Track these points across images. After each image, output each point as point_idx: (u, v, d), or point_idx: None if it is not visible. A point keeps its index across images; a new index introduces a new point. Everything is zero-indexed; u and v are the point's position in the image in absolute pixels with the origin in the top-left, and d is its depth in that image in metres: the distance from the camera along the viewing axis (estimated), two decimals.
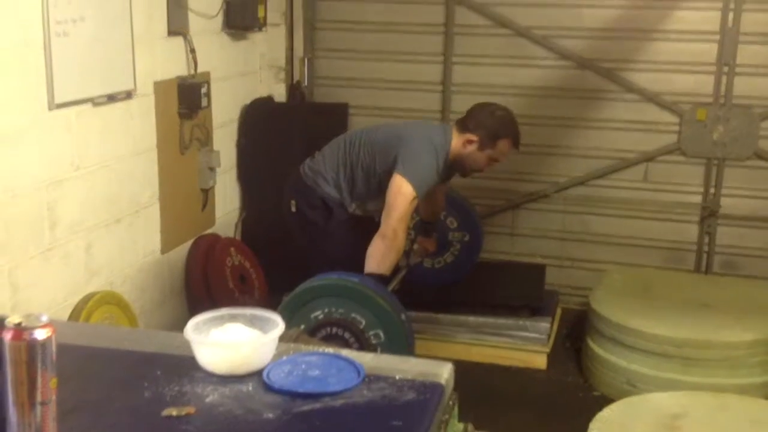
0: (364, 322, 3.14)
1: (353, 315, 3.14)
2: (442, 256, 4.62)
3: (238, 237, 4.97)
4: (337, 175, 3.72)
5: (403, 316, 3.19)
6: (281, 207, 3.87)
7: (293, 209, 3.79)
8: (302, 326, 3.06)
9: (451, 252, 4.63)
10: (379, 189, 3.63)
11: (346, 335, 3.14)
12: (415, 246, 4.30)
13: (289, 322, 2.92)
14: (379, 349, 3.08)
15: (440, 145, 3.62)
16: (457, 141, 3.64)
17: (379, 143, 3.67)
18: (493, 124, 3.64)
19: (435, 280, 4.59)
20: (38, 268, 3.32)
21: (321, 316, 3.18)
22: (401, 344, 3.11)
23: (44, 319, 1.39)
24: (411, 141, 3.58)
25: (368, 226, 3.73)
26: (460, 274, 4.62)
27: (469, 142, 3.63)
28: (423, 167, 3.54)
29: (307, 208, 3.75)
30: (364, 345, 3.10)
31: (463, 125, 3.67)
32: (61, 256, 3.45)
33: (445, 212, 4.50)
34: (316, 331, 3.12)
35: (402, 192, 3.45)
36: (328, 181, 3.73)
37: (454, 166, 3.75)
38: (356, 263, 3.51)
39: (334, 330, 3.16)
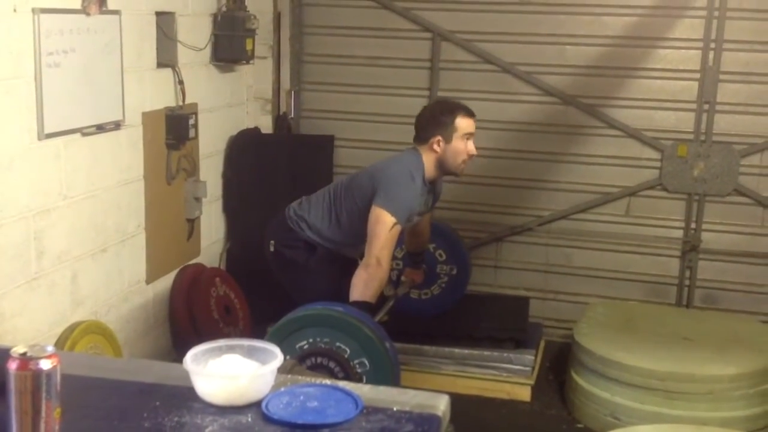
0: (348, 351, 3.12)
1: (338, 344, 3.12)
2: (429, 288, 4.63)
3: (223, 267, 4.97)
4: (322, 224, 3.71)
5: (387, 345, 3.18)
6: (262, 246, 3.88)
7: (271, 249, 3.80)
8: (287, 357, 3.05)
9: (438, 284, 4.64)
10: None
11: (332, 365, 3.12)
12: (403, 277, 4.32)
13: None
14: (364, 378, 3.07)
15: (414, 166, 3.62)
16: (427, 154, 3.65)
17: (357, 185, 3.68)
18: (439, 115, 3.65)
19: (421, 312, 4.60)
20: (24, 298, 3.31)
21: (306, 346, 3.17)
22: (386, 372, 3.09)
23: (49, 349, 1.40)
24: (385, 172, 3.60)
25: (350, 260, 3.75)
26: (446, 306, 4.63)
27: (437, 143, 3.63)
28: (400, 194, 3.54)
29: (285, 248, 3.76)
30: (349, 374, 3.08)
31: (422, 138, 3.67)
32: (47, 286, 3.44)
33: (434, 245, 4.51)
34: (302, 361, 3.10)
35: (381, 220, 3.45)
36: (312, 229, 3.72)
37: (443, 175, 3.76)
38: (340, 297, 3.52)
39: (320, 360, 3.14)
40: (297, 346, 3.16)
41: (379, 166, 3.73)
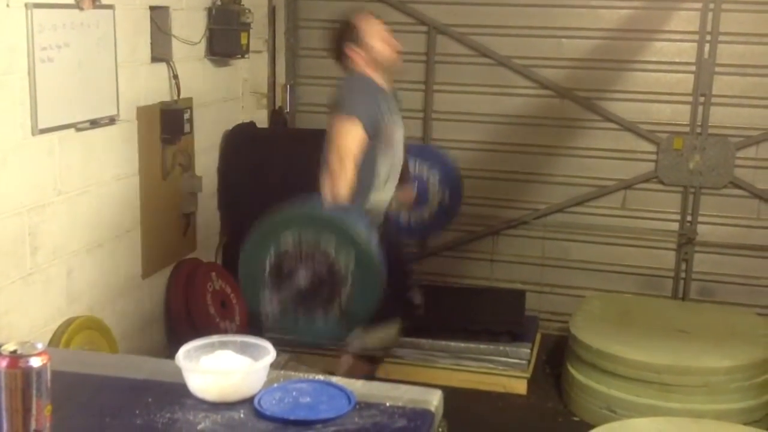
0: (334, 248, 2.91)
1: (323, 241, 2.91)
2: (420, 211, 4.40)
3: (219, 262, 4.97)
4: None
5: (374, 243, 2.97)
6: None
7: None
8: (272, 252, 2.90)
9: (428, 208, 4.43)
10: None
11: (316, 261, 2.91)
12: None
13: (257, 255, 2.86)
14: (350, 276, 2.88)
15: (357, 79, 3.48)
16: (357, 60, 3.47)
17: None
18: (340, 29, 3.53)
19: (409, 235, 4.47)
20: (19, 293, 3.30)
21: (290, 244, 2.93)
22: (371, 269, 2.90)
23: (39, 346, 1.39)
24: (341, 97, 3.47)
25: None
26: (435, 231, 4.49)
27: (354, 53, 3.47)
28: (355, 99, 3.39)
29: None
30: (333, 270, 2.89)
31: (339, 56, 3.52)
32: (42, 281, 3.43)
33: (428, 168, 4.37)
34: (286, 259, 2.90)
35: (339, 125, 3.31)
36: None
37: (385, 75, 3.55)
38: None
39: (304, 256, 2.92)
40: (281, 244, 2.93)
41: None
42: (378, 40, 3.49)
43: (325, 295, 2.89)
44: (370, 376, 3.74)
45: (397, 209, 4.03)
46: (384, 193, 3.56)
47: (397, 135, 3.56)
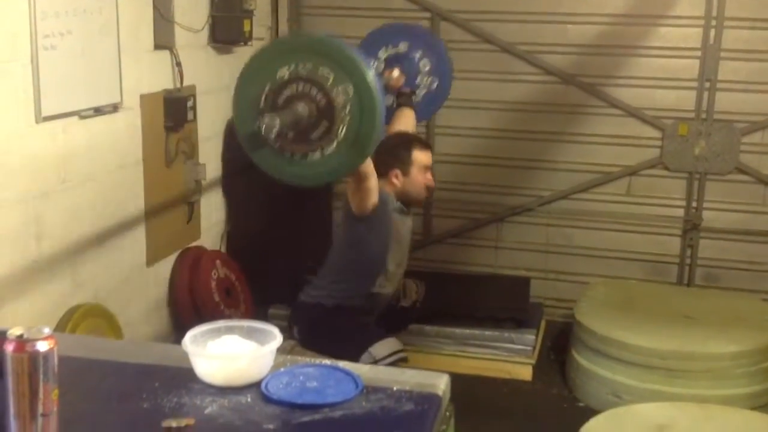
0: (332, 78, 2.79)
1: (321, 70, 2.79)
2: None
3: (224, 250, 4.96)
4: (347, 286, 3.66)
5: (372, 72, 2.87)
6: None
7: (296, 335, 3.70)
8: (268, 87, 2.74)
9: (415, 95, 4.26)
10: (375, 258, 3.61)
11: (313, 91, 2.80)
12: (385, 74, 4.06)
13: (254, 82, 2.76)
14: (348, 106, 2.77)
15: (383, 197, 3.56)
16: (388, 187, 3.63)
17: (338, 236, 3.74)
18: (394, 150, 3.64)
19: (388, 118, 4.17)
20: (24, 281, 3.30)
21: (287, 75, 2.83)
22: (371, 99, 2.78)
23: (46, 331, 1.39)
24: None
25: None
26: (418, 118, 4.26)
27: (395, 177, 3.64)
28: None
29: (308, 327, 3.68)
30: (331, 101, 2.78)
31: (380, 173, 3.56)
32: (47, 269, 3.43)
33: (420, 52, 4.22)
34: (282, 90, 2.79)
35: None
36: (335, 293, 3.65)
37: (408, 206, 3.75)
38: (372, 333, 3.59)
39: (301, 87, 2.81)
40: (278, 75, 2.82)
41: None
42: (421, 177, 3.66)
43: (322, 129, 2.77)
44: None
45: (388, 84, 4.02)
46: (389, 285, 3.72)
47: (405, 233, 3.75)
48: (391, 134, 3.73)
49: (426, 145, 3.75)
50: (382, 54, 4.15)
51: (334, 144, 2.74)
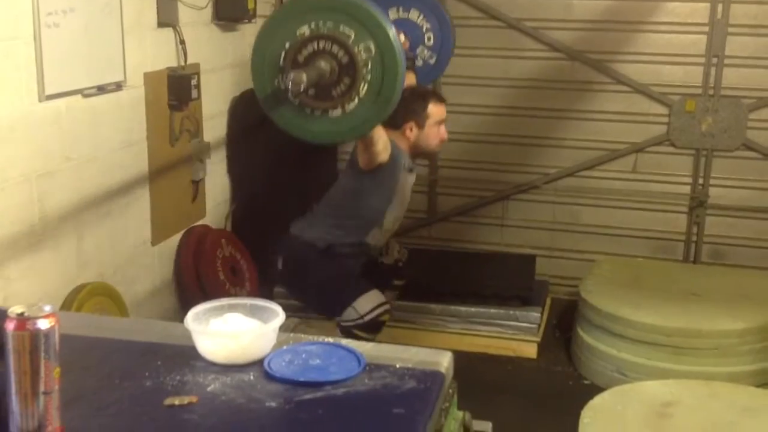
0: (353, 35, 2.79)
1: (342, 27, 2.79)
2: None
3: (229, 228, 4.96)
4: (337, 221, 3.70)
5: (394, 30, 2.86)
6: (270, 266, 3.82)
7: (279, 266, 3.75)
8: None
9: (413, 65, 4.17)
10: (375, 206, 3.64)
11: (335, 49, 2.79)
12: None
13: (273, 40, 2.74)
14: (369, 63, 2.77)
15: (396, 153, 3.62)
16: (402, 140, 3.65)
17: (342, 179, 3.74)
18: (409, 103, 3.58)
19: None
20: (29, 260, 3.30)
21: (307, 32, 2.83)
22: (393, 57, 2.78)
23: (47, 309, 1.39)
24: None
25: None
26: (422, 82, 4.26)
27: (410, 129, 3.66)
28: None
29: (293, 262, 3.72)
30: (353, 58, 2.77)
31: (395, 125, 3.61)
32: (52, 248, 3.43)
33: (428, 26, 4.24)
34: (303, 48, 2.78)
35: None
36: (331, 237, 3.68)
37: (420, 157, 3.81)
38: (358, 284, 3.63)
39: (322, 44, 2.81)
40: (298, 32, 2.83)
41: None
42: (435, 130, 3.69)
43: (344, 86, 2.76)
44: None
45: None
46: (381, 238, 3.78)
47: (408, 191, 3.78)
48: (405, 88, 3.71)
49: (441, 98, 3.75)
50: (392, 15, 4.13)
51: (356, 101, 2.74)
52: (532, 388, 4.12)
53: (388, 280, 4.01)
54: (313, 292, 3.76)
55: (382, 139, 3.33)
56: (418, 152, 3.74)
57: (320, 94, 2.74)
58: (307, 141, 2.93)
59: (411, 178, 3.80)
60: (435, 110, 3.70)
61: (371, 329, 3.61)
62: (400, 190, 3.66)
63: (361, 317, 3.59)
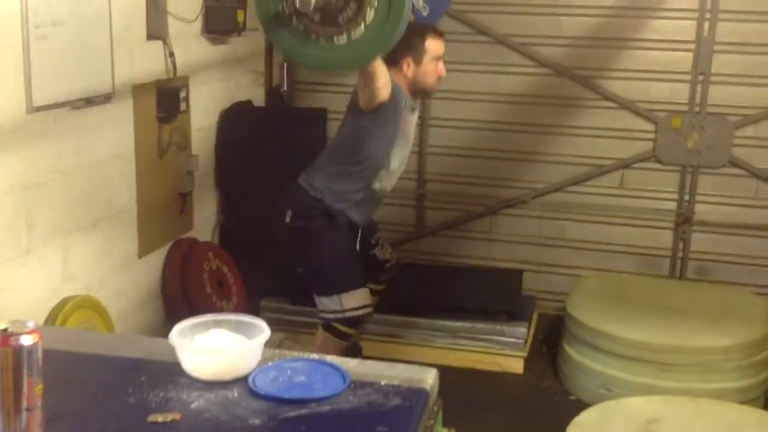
0: None
1: None
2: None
3: (217, 241, 4.96)
4: (342, 169, 3.62)
5: None
6: (276, 218, 3.74)
7: (287, 219, 3.71)
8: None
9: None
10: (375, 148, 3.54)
11: None
12: None
13: None
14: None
15: (396, 90, 3.51)
16: (398, 76, 3.54)
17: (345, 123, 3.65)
18: (407, 38, 3.40)
19: None
20: (15, 272, 3.29)
21: None
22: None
23: (31, 324, 1.38)
24: None
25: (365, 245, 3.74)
26: None
27: (407, 65, 3.56)
28: None
29: (302, 218, 3.64)
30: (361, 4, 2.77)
31: (393, 61, 3.51)
32: (38, 260, 3.42)
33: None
34: None
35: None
36: (334, 190, 3.61)
37: (418, 95, 3.70)
38: (353, 277, 3.58)
39: None
40: None
41: None
42: (432, 66, 3.58)
43: (350, 12, 2.71)
44: (354, 350, 3.78)
45: None
46: (389, 181, 3.67)
47: (411, 131, 3.69)
48: None
49: (440, 33, 3.66)
50: None
51: (362, 28, 2.70)
52: (518, 403, 4.12)
53: (374, 274, 3.97)
54: (310, 265, 3.70)
55: (384, 75, 3.24)
56: (416, 90, 3.63)
57: (326, 19, 2.67)
58: (311, 67, 2.84)
59: (413, 117, 3.72)
60: (433, 45, 3.59)
61: (350, 325, 3.62)
62: (403, 129, 3.58)
63: (343, 312, 3.58)
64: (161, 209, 4.34)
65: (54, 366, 1.53)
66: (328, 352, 3.52)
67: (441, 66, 3.63)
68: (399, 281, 4.44)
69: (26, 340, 1.36)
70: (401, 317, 4.43)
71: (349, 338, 3.67)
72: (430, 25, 3.67)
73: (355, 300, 3.59)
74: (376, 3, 2.70)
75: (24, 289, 3.35)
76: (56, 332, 2.32)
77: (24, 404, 1.36)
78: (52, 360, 1.51)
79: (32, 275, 3.39)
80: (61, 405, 1.55)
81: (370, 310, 3.65)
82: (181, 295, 4.37)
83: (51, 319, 3.45)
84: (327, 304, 3.62)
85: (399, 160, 3.63)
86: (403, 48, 3.50)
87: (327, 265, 3.63)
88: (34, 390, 1.37)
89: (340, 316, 3.59)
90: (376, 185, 3.63)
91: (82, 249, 3.71)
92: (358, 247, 3.66)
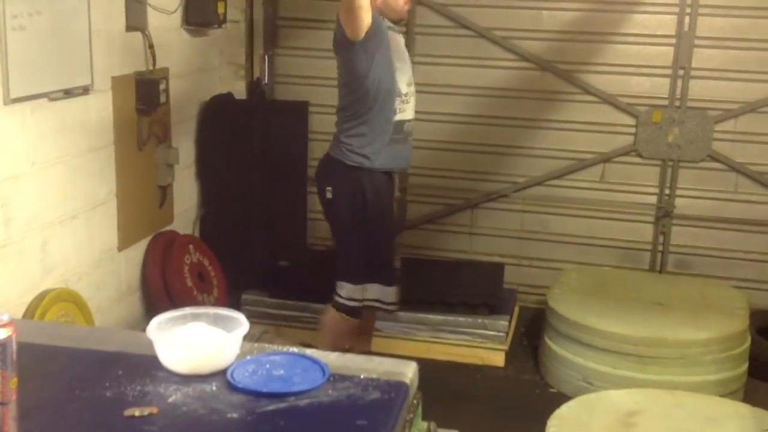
0: None
1: None
2: None
3: (197, 234, 4.93)
4: (361, 120, 3.58)
5: None
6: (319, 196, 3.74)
7: (329, 196, 3.66)
8: None
9: None
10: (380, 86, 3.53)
11: None
12: None
13: None
14: None
15: (375, 14, 3.48)
16: (372, 6, 3.45)
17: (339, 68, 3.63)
18: None
19: None
20: None
21: None
22: None
23: (4, 318, 1.37)
24: None
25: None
26: None
27: None
28: None
29: (341, 194, 3.62)
30: None
31: None
32: (15, 253, 3.39)
33: None
34: None
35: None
36: (356, 145, 3.58)
37: (392, 21, 3.64)
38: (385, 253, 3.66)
39: None
40: None
41: None
42: None
43: None
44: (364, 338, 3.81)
45: None
46: (408, 111, 3.66)
47: (404, 49, 3.69)
48: None
49: None
50: None
51: None
52: (499, 396, 4.13)
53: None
54: (339, 244, 3.74)
55: None
56: (388, 15, 3.59)
57: None
58: None
59: (400, 37, 3.72)
60: None
61: (350, 313, 3.66)
62: (396, 48, 3.59)
63: (344, 299, 3.63)
64: (141, 202, 4.31)
65: (30, 360, 1.52)
66: (342, 334, 3.54)
67: None
68: None
69: (0, 334, 1.34)
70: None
71: (360, 315, 3.70)
72: None
73: (361, 293, 3.63)
74: None
75: (2, 283, 3.32)
76: (32, 326, 2.29)
77: None
78: (28, 354, 1.49)
79: (10, 268, 3.36)
80: (37, 399, 1.53)
81: (357, 305, 3.67)
82: (162, 289, 4.35)
83: (30, 312, 3.42)
84: (339, 287, 3.65)
85: (406, 81, 3.62)
86: None
87: (352, 251, 3.64)
88: (8, 384, 1.35)
89: (341, 302, 3.62)
90: (398, 117, 3.60)
91: (61, 242, 3.67)
92: (397, 192, 3.64)
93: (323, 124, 5.08)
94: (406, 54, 3.73)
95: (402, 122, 3.64)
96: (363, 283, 3.63)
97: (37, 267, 3.54)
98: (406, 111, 3.66)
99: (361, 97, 3.53)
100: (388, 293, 3.69)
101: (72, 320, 3.61)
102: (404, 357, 1.87)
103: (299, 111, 5.13)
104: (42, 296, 3.50)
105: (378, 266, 3.67)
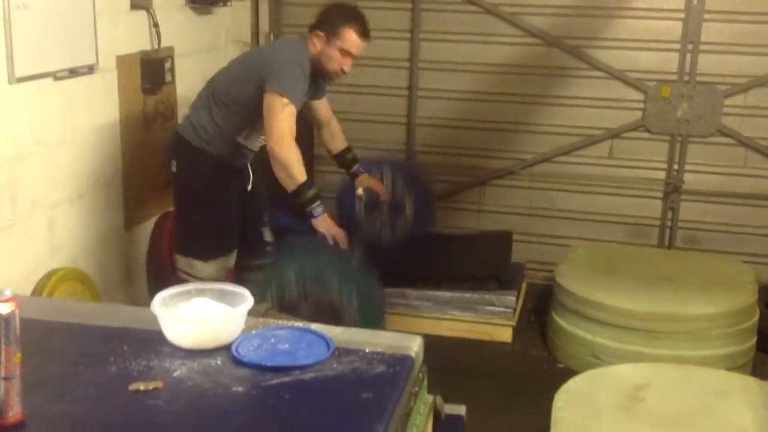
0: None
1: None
2: (394, 222, 4.38)
3: None
4: (212, 123, 3.62)
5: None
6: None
7: (174, 169, 3.68)
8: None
9: (402, 222, 4.40)
10: (253, 116, 3.55)
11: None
12: (359, 190, 4.07)
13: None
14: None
15: (302, 56, 3.49)
16: (311, 44, 3.51)
17: (243, 72, 3.61)
18: (334, 16, 3.51)
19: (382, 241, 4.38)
20: (0, 245, 3.27)
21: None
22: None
23: (8, 293, 1.37)
24: (275, 59, 3.49)
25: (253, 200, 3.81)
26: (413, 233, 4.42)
27: (317, 38, 3.50)
28: (291, 78, 3.41)
29: (188, 168, 3.65)
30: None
31: (312, 27, 3.54)
32: (23, 233, 3.39)
33: (402, 185, 4.36)
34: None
35: (273, 104, 3.34)
36: (206, 133, 3.61)
37: (318, 73, 3.60)
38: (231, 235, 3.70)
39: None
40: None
41: (267, 52, 3.71)
42: (338, 55, 3.50)
43: None
44: None
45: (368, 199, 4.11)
46: (256, 144, 3.70)
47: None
48: (345, 3, 3.62)
49: (366, 34, 3.53)
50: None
51: None
52: (506, 372, 4.13)
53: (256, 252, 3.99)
54: (189, 221, 3.75)
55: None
56: (319, 67, 3.55)
57: None
58: None
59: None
60: (349, 38, 3.48)
61: None
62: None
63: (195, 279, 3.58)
64: (147, 182, 4.30)
65: (35, 335, 1.52)
66: None
67: (347, 62, 3.52)
68: (388, 252, 4.42)
69: (3, 309, 1.34)
70: (390, 288, 4.40)
71: None
72: (361, 20, 3.54)
73: (208, 270, 3.65)
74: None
75: (9, 263, 3.32)
76: (36, 302, 2.30)
77: (2, 373, 1.35)
78: (33, 330, 1.49)
79: (17, 247, 3.36)
80: (41, 374, 1.54)
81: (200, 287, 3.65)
82: (168, 268, 4.34)
83: (37, 291, 3.43)
84: (184, 264, 3.70)
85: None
86: (324, 19, 3.51)
87: (202, 227, 3.67)
88: (12, 359, 1.35)
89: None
90: (241, 141, 3.65)
91: (68, 221, 3.68)
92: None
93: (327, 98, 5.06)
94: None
95: (244, 147, 3.67)
96: None
97: (44, 246, 3.54)
98: (254, 143, 3.69)
99: (241, 111, 3.58)
100: None
101: (80, 299, 3.62)
102: (407, 333, 1.87)
103: None
104: (50, 275, 3.50)
105: None
